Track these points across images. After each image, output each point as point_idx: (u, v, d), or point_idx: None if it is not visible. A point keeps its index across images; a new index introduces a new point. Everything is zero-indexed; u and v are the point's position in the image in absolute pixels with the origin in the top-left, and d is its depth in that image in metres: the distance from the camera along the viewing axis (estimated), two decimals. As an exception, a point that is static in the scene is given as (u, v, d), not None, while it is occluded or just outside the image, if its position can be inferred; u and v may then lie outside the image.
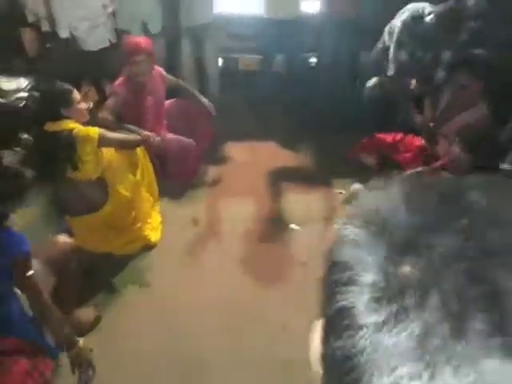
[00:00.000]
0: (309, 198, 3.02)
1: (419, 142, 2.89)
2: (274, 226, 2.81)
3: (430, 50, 2.76)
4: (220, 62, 3.77)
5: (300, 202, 2.98)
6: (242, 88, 3.79)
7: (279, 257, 2.62)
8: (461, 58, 2.59)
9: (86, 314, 2.16)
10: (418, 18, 2.76)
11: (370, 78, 3.21)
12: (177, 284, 2.40)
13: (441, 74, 2.72)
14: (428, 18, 2.72)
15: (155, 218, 2.74)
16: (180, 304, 2.29)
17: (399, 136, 2.95)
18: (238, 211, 2.92)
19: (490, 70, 2.45)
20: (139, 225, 2.59)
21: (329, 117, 3.45)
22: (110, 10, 3.24)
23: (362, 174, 3.00)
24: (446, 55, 2.70)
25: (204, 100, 3.04)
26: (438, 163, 2.52)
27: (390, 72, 2.96)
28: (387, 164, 2.96)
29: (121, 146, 2.41)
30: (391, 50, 2.92)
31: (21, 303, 1.72)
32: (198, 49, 3.52)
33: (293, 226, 2.80)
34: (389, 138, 2.98)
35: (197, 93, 3.09)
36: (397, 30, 2.86)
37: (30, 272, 1.60)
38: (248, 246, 2.67)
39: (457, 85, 2.49)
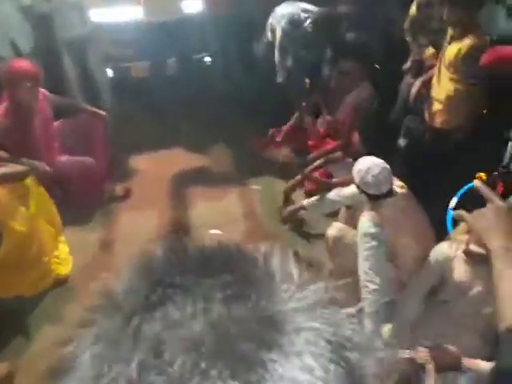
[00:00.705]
0: (226, 200, 3.00)
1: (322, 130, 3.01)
2: (194, 235, 2.74)
3: (313, 50, 2.88)
4: (110, 72, 3.58)
5: (217, 206, 2.95)
6: (137, 96, 3.64)
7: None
8: (339, 46, 2.73)
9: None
10: (295, 24, 2.85)
11: (265, 69, 3.25)
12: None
13: (326, 68, 2.85)
14: (306, 24, 2.82)
15: (62, 250, 2.54)
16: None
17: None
18: (152, 225, 2.81)
19: (368, 53, 2.61)
20: (46, 259, 2.39)
21: (231, 114, 3.46)
22: None
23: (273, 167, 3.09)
24: (328, 51, 2.83)
25: (94, 109, 2.89)
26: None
27: (280, 79, 3.03)
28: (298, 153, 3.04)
29: (5, 179, 2.18)
30: (276, 56, 2.97)
31: None
32: (82, 61, 3.31)
33: (213, 231, 2.76)
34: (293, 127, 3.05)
35: (84, 104, 2.93)
36: (278, 37, 2.92)
37: None
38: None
39: (340, 72, 2.62)
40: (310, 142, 2.99)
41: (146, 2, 3.26)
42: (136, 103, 3.66)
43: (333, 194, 2.24)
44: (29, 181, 2.36)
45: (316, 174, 2.67)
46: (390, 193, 1.79)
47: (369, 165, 1.78)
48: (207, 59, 3.83)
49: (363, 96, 2.58)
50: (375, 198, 1.79)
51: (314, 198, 2.37)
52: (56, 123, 2.82)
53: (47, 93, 2.71)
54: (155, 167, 3.28)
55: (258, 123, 3.23)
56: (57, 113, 2.80)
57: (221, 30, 3.44)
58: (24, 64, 2.48)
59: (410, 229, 1.89)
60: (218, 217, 2.85)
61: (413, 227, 1.89)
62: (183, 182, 3.17)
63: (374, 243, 1.72)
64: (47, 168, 2.48)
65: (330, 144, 2.81)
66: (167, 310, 0.29)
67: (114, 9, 3.35)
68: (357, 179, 1.80)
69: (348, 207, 2.25)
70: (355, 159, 2.05)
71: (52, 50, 3.13)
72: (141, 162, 3.33)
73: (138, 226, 2.82)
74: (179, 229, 2.74)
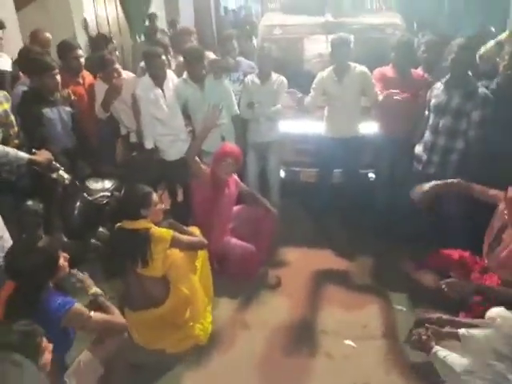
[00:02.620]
0: (365, 312, 2.95)
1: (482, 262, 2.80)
2: (328, 338, 2.74)
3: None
4: (282, 173, 4.06)
5: (356, 316, 2.91)
6: (302, 197, 3.99)
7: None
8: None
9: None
10: None
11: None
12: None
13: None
14: None
15: (207, 319, 2.79)
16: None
17: (467, 253, 2.84)
18: (291, 318, 2.90)
19: None
20: (191, 324, 2.65)
21: (386, 231, 3.51)
22: (189, 128, 3.75)
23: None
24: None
25: (270, 208, 3.29)
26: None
27: None
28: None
29: (188, 248, 2.60)
30: None
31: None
32: (262, 162, 3.87)
33: (348, 342, 2.71)
34: (455, 254, 2.87)
35: (264, 199, 3.36)
36: None
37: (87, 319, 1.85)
38: (299, 360, 2.60)
39: None
40: (472, 275, 2.78)
41: (328, 120, 3.69)
42: (299, 203, 4.00)
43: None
44: (202, 252, 2.75)
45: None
46: None
47: None
48: (371, 175, 4.03)
49: None
50: None
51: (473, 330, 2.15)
52: (235, 208, 3.29)
53: (238, 179, 3.24)
54: (304, 262, 3.48)
55: (415, 245, 3.20)
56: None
57: (390, 151, 3.64)
58: (231, 146, 3.15)
59: None
60: (355, 328, 2.80)
61: None
62: (327, 282, 3.27)
63: None
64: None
65: (493, 281, 2.58)
66: None
67: (300, 121, 3.85)
68: None
69: None
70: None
71: (242, 149, 3.77)
72: (292, 255, 3.57)
73: (278, 312, 2.95)
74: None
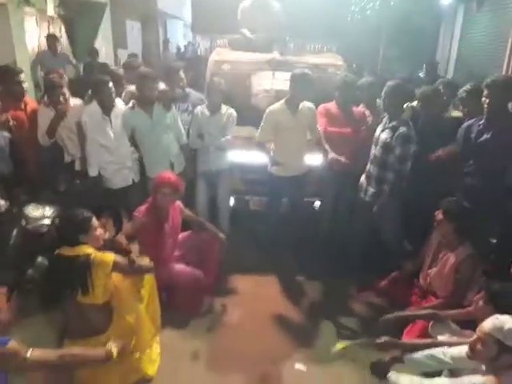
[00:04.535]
0: (312, 336, 2.97)
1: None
2: (278, 364, 2.72)
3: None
4: (232, 201, 4.09)
5: (303, 340, 2.93)
6: (251, 225, 4.03)
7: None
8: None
9: None
10: None
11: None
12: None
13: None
14: None
15: (154, 350, 2.68)
16: None
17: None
18: (239, 347, 2.86)
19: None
20: (138, 355, 2.53)
21: (331, 257, 3.62)
22: (135, 156, 3.71)
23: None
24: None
25: (218, 233, 3.26)
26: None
27: None
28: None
29: (132, 271, 2.50)
30: None
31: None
32: (212, 190, 3.89)
33: (298, 365, 2.70)
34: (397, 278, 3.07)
35: (211, 225, 3.33)
36: None
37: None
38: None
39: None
40: (413, 298, 2.93)
41: (277, 155, 3.68)
42: (249, 231, 4.03)
43: (439, 351, 2.12)
44: (149, 278, 2.67)
45: (416, 331, 2.56)
46: None
47: None
48: (317, 203, 4.16)
49: (462, 257, 2.62)
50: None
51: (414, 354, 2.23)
52: (181, 235, 3.24)
53: (182, 206, 3.20)
54: (252, 289, 3.48)
55: (358, 268, 3.32)
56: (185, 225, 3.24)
57: (335, 182, 3.81)
58: (169, 175, 3.03)
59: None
60: (304, 352, 2.80)
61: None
62: (275, 308, 3.27)
63: None
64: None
65: (432, 302, 2.74)
66: None
67: (250, 153, 3.91)
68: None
69: None
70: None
71: (191, 177, 3.79)
72: (240, 283, 3.55)
73: (229, 345, 2.89)
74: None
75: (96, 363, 2.03)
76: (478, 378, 1.80)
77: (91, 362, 1.99)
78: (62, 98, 3.55)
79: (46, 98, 3.68)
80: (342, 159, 3.55)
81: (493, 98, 2.93)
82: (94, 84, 3.53)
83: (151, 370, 2.58)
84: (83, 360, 1.94)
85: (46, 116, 3.56)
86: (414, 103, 3.66)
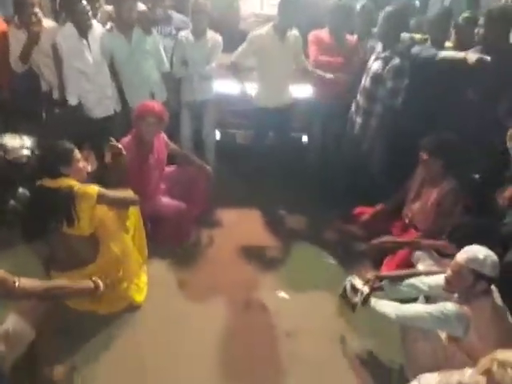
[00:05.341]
0: (297, 266, 3.07)
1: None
2: (262, 292, 2.82)
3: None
4: (218, 135, 4.00)
5: (288, 270, 3.03)
6: (237, 159, 3.99)
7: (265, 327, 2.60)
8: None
9: (59, 372, 2.09)
10: None
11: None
12: (157, 352, 2.37)
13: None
14: None
15: (142, 279, 2.74)
16: (161, 369, 2.27)
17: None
18: (224, 276, 2.94)
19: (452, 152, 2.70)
20: (125, 284, 2.59)
21: (317, 190, 3.65)
22: (115, 84, 3.53)
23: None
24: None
25: (204, 166, 3.22)
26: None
27: None
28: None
29: (117, 204, 2.48)
30: None
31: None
32: (197, 121, 3.78)
33: (281, 294, 2.81)
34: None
35: (197, 159, 3.27)
36: None
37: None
38: (234, 314, 2.66)
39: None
40: (394, 230, 3.00)
41: (261, 85, 3.58)
42: (234, 165, 4.01)
43: (417, 280, 2.21)
44: (133, 210, 2.65)
45: (396, 261, 2.67)
46: None
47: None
48: (304, 139, 4.10)
49: (445, 190, 2.65)
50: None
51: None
52: (167, 168, 3.19)
53: (167, 139, 3.12)
54: (238, 222, 3.53)
55: (344, 202, 3.36)
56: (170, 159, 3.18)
57: (322, 115, 3.73)
58: (153, 103, 2.92)
59: (492, 341, 1.76)
60: (287, 281, 2.91)
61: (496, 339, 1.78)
62: (260, 240, 3.36)
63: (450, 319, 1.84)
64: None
65: (412, 235, 2.81)
66: None
67: (235, 83, 3.71)
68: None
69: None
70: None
71: (174, 108, 3.64)
72: (226, 216, 3.59)
73: (214, 273, 2.98)
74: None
75: (84, 294, 2.05)
76: (449, 304, 1.90)
77: (79, 293, 2.02)
78: (34, 18, 3.27)
79: (16, 18, 3.39)
80: (342, 76, 3.38)
81: (490, 28, 2.79)
82: (66, 1, 3.25)
83: (139, 297, 2.65)
84: (71, 291, 1.96)
85: (17, 39, 3.30)
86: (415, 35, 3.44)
